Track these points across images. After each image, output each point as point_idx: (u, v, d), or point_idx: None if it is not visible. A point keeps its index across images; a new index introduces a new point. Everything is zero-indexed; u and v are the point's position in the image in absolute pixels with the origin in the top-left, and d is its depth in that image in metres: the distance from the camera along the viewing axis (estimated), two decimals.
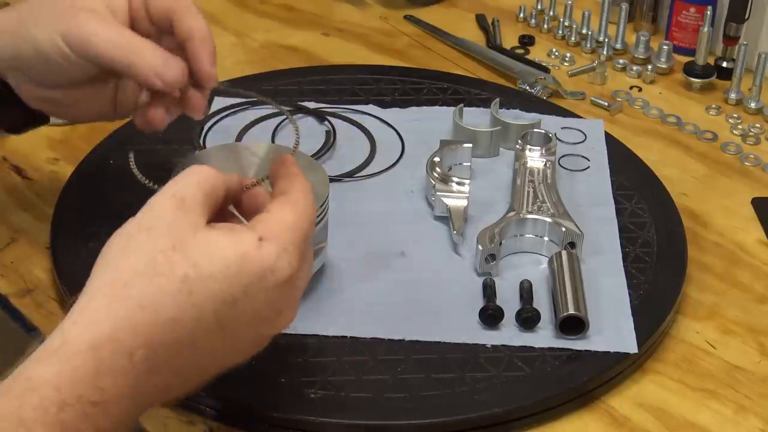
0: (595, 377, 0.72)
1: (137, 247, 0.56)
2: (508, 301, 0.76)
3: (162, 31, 0.74)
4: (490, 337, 0.74)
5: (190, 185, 0.59)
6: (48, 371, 0.52)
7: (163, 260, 0.55)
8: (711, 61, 1.11)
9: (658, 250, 0.83)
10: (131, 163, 0.69)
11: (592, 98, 1.08)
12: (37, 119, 0.79)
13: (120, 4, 0.73)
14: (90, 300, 0.55)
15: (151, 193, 0.59)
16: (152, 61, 0.70)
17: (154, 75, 0.70)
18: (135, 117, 0.75)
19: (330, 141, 0.95)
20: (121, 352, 0.53)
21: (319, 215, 0.72)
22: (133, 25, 0.74)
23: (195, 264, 0.55)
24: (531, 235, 0.82)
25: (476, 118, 0.98)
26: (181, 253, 0.55)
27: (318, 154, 0.93)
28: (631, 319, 0.76)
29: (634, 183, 0.91)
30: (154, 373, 0.54)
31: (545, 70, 1.12)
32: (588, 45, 1.18)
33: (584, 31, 1.19)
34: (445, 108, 1.00)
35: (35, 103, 0.76)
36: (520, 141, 0.91)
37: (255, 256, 0.57)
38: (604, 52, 1.16)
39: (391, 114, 1.00)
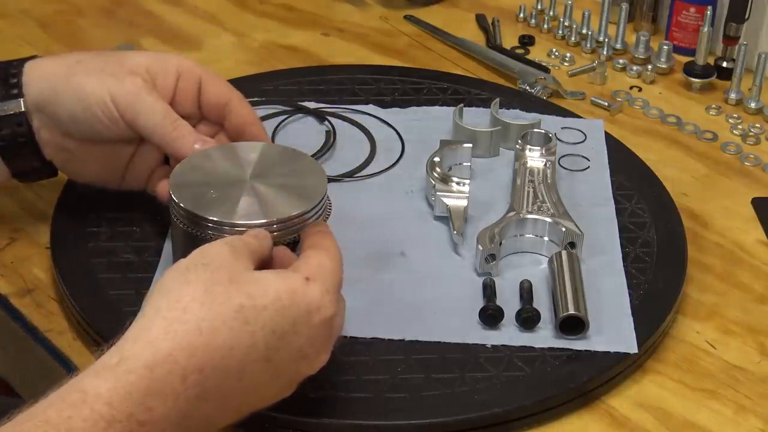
0: (595, 377, 0.72)
1: (195, 278, 0.59)
2: (508, 301, 0.76)
3: (205, 117, 0.80)
4: (490, 337, 0.74)
5: (238, 239, 0.63)
6: (103, 386, 0.53)
7: (221, 291, 0.58)
8: (711, 61, 1.11)
9: (658, 250, 0.83)
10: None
11: (592, 98, 1.08)
12: (47, 171, 0.81)
13: (168, 82, 0.78)
14: (148, 322, 0.57)
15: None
16: (192, 140, 0.76)
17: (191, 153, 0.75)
18: (158, 190, 0.79)
19: (330, 141, 0.95)
20: (175, 373, 0.55)
21: (317, 213, 0.72)
22: (177, 106, 0.78)
23: (250, 295, 0.58)
24: (531, 235, 0.82)
25: (476, 118, 0.98)
26: (236, 285, 0.59)
27: (318, 154, 0.93)
28: (631, 319, 0.76)
29: (634, 183, 0.91)
30: (202, 399, 0.56)
31: (545, 70, 1.11)
32: (588, 45, 1.18)
33: (584, 31, 1.19)
34: (445, 108, 1.00)
35: (50, 150, 0.79)
36: (520, 141, 0.91)
37: (303, 293, 0.60)
38: (604, 52, 1.16)
39: (391, 114, 1.00)
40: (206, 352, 0.56)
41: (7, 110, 0.76)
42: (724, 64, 1.11)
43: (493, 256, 0.79)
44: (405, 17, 1.24)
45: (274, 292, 0.59)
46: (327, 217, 0.73)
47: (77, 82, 0.75)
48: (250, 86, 0.96)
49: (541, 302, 0.77)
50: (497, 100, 0.98)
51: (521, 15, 1.24)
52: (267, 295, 0.59)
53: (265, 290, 0.59)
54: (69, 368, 0.73)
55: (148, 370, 0.54)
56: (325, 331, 0.62)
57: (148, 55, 0.79)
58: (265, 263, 0.65)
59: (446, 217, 0.84)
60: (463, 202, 0.84)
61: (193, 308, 0.57)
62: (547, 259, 0.80)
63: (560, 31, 1.21)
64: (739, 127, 1.04)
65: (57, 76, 0.76)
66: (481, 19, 1.24)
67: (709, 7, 1.08)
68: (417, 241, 0.83)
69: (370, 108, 1.01)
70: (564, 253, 0.78)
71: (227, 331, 0.57)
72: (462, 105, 0.97)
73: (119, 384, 0.53)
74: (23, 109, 0.76)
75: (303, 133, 0.96)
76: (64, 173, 0.83)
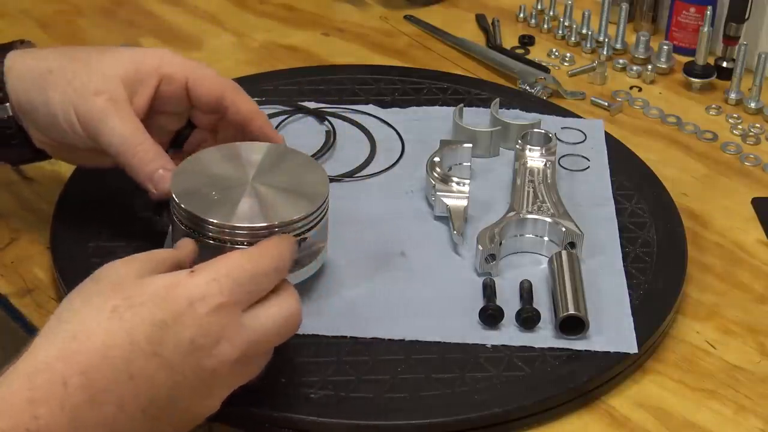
0: (595, 377, 0.72)
1: (77, 294, 0.60)
2: (508, 301, 0.76)
3: (203, 111, 0.78)
4: (490, 337, 0.74)
5: (144, 254, 0.63)
6: None
7: (98, 298, 0.58)
8: (711, 61, 1.11)
9: (658, 250, 0.83)
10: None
11: (592, 98, 1.08)
12: (40, 156, 0.81)
13: (146, 90, 0.75)
14: (34, 341, 0.57)
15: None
16: (152, 168, 0.73)
17: (149, 182, 0.73)
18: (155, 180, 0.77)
19: (330, 141, 0.95)
20: (54, 380, 0.55)
21: (319, 215, 0.72)
22: (163, 106, 0.77)
23: (127, 297, 0.58)
24: (531, 235, 0.82)
25: (476, 118, 0.98)
26: (116, 291, 0.59)
27: (318, 154, 0.93)
28: (631, 319, 0.76)
29: (634, 183, 0.91)
30: (94, 403, 0.55)
31: (545, 70, 1.12)
32: (588, 45, 1.18)
33: (584, 31, 1.19)
34: (445, 108, 1.00)
35: (40, 144, 0.78)
36: (520, 141, 0.91)
37: (184, 285, 0.59)
38: (604, 52, 1.16)
39: (391, 114, 1.00)
40: (83, 354, 0.55)
41: None
42: (724, 64, 1.11)
43: (493, 256, 0.79)
44: (405, 17, 1.24)
45: (152, 289, 0.59)
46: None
47: (47, 97, 0.74)
48: (250, 86, 0.95)
49: (541, 302, 0.77)
50: (497, 100, 0.98)
51: (521, 15, 1.24)
52: (144, 293, 0.58)
53: (143, 288, 0.59)
54: None
55: (27, 379, 0.54)
56: (218, 320, 0.59)
57: (127, 59, 0.76)
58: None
59: (446, 217, 0.84)
60: (463, 202, 0.84)
61: (69, 318, 0.57)
62: (547, 259, 0.80)
63: (560, 31, 1.21)
64: (739, 127, 1.04)
65: (32, 86, 0.75)
66: (481, 19, 1.24)
67: (709, 7, 1.08)
68: (417, 241, 0.83)
69: (370, 108, 1.01)
70: (564, 253, 0.78)
71: (102, 333, 0.56)
72: (462, 105, 0.97)
73: (1, 396, 0.54)
74: (10, 114, 0.76)
75: (303, 133, 0.96)
76: (57, 159, 0.82)
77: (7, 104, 0.76)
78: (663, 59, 1.13)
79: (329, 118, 0.98)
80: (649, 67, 1.12)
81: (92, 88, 0.74)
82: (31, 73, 0.75)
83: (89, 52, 0.77)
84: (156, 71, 0.76)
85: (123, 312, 0.57)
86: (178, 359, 0.58)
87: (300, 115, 0.99)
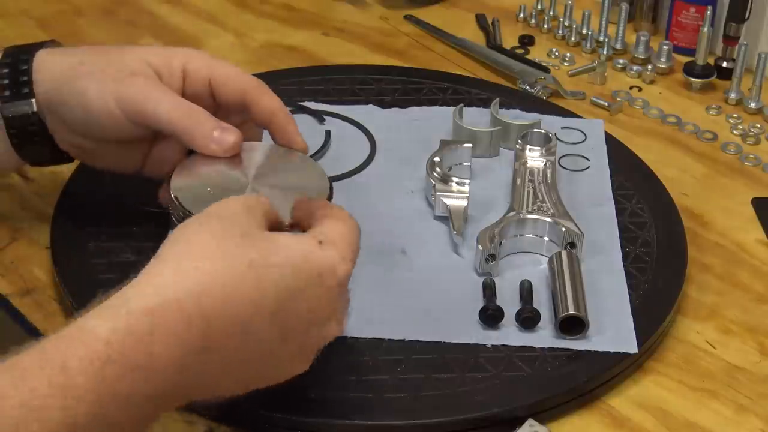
0: (595, 377, 0.72)
1: (209, 229, 0.59)
2: (508, 301, 0.76)
3: (229, 111, 0.77)
4: (490, 337, 0.74)
5: (253, 197, 0.64)
6: (103, 326, 0.52)
7: (233, 244, 0.58)
8: (711, 61, 1.11)
9: (658, 250, 0.83)
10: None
11: (592, 98, 1.08)
12: (63, 158, 0.80)
13: (173, 82, 0.75)
14: (155, 269, 0.56)
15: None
16: (210, 127, 0.73)
17: (211, 141, 0.72)
18: (160, 194, 0.76)
19: (330, 141, 0.95)
20: (180, 319, 0.54)
21: None
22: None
23: (261, 251, 0.58)
24: (531, 235, 0.82)
25: (476, 118, 0.98)
26: (249, 240, 0.58)
27: (318, 154, 0.93)
28: (631, 319, 0.76)
29: (634, 183, 0.91)
30: (205, 351, 0.55)
31: (545, 70, 1.11)
32: (588, 45, 1.18)
33: (584, 31, 1.19)
34: (445, 108, 1.00)
35: (65, 146, 0.78)
36: (520, 141, 0.91)
37: (317, 256, 0.60)
38: (604, 52, 1.16)
39: (391, 114, 1.00)
40: (213, 301, 0.55)
41: (19, 111, 0.75)
42: (724, 64, 1.11)
43: (493, 256, 0.79)
44: (405, 17, 1.24)
45: (285, 252, 0.59)
46: None
47: (80, 87, 0.74)
48: None
49: (541, 302, 0.77)
50: (497, 100, 0.98)
51: (521, 15, 1.24)
52: (278, 253, 0.59)
53: (276, 248, 0.59)
54: None
55: (150, 315, 0.53)
56: (339, 296, 0.62)
57: (156, 51, 0.76)
58: (275, 228, 0.64)
59: (446, 217, 0.84)
60: (463, 202, 0.84)
61: (205, 257, 0.57)
62: (547, 259, 0.80)
63: (560, 31, 1.21)
64: (739, 127, 1.04)
65: (62, 79, 0.75)
66: (481, 19, 1.24)
67: (709, 7, 1.08)
68: (417, 242, 0.83)
69: (370, 108, 1.01)
70: (564, 253, 0.78)
71: (236, 284, 0.56)
72: (462, 105, 0.97)
73: (118, 326, 0.52)
74: (35, 110, 0.75)
75: (303, 133, 0.96)
76: (82, 161, 0.82)
77: (33, 100, 0.75)
78: (663, 59, 1.13)
79: (329, 117, 0.98)
80: (649, 67, 1.12)
81: (128, 72, 0.74)
82: (61, 66, 0.75)
83: (119, 47, 0.78)
84: (181, 67, 0.76)
85: (258, 269, 0.57)
86: (292, 327, 0.59)
87: (300, 115, 0.99)
